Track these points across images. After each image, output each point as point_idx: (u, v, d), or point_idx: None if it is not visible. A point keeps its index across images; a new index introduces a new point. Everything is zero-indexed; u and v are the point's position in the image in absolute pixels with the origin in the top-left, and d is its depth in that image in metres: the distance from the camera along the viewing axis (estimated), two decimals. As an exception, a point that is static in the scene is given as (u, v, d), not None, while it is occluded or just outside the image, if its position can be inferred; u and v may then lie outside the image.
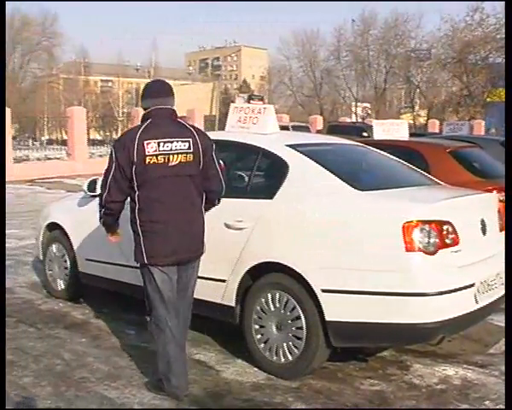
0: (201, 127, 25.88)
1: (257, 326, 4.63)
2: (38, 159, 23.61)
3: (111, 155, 4.05)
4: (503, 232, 4.67)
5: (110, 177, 4.00)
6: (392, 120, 9.86)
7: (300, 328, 4.39)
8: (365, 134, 20.97)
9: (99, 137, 41.98)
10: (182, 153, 4.03)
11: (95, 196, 5.38)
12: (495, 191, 5.61)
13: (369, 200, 4.38)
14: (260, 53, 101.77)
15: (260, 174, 5.09)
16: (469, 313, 4.22)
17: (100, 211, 4.19)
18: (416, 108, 55.49)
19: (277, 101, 59.32)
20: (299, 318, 4.39)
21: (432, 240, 4.09)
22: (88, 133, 26.71)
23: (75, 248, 6.25)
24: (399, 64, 54.45)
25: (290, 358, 4.46)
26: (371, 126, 10.01)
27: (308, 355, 4.37)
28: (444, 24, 46.40)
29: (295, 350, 4.42)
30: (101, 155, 23.26)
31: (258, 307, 4.61)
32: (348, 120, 41.74)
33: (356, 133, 20.15)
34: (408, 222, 4.05)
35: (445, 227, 4.17)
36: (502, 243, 4.56)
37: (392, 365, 4.77)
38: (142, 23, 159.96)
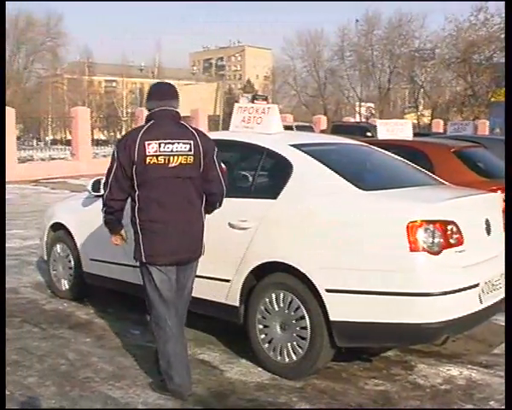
0: (205, 127, 26.03)
1: (261, 326, 4.63)
2: (43, 159, 23.66)
3: (113, 154, 4.11)
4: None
5: (111, 176, 4.06)
6: (396, 119, 9.85)
7: (305, 328, 4.39)
8: (369, 134, 20.97)
9: (103, 138, 42.07)
10: (182, 155, 4.06)
11: (99, 196, 5.38)
12: (499, 191, 5.59)
13: (374, 200, 4.38)
14: (264, 53, 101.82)
15: (264, 174, 5.09)
16: (474, 314, 4.21)
17: (102, 209, 4.23)
18: (420, 107, 55.38)
19: (281, 101, 59.28)
20: (303, 318, 4.39)
21: (436, 240, 4.08)
22: (92, 133, 26.78)
23: (79, 248, 6.26)
24: (403, 64, 54.37)
25: (294, 358, 4.46)
26: (375, 126, 9.99)
27: (312, 355, 4.37)
28: (448, 24, 46.42)
29: (299, 350, 4.42)
30: (105, 155, 23.26)
31: (263, 307, 4.61)
32: (352, 119, 41.68)
33: (360, 133, 20.14)
34: (412, 222, 4.05)
35: (449, 227, 4.17)
36: (506, 243, 4.55)
37: (396, 365, 4.76)
38: (146, 23, 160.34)
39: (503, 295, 4.44)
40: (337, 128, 23.82)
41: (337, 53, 59.09)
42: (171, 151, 4.03)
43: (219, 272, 4.81)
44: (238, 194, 4.95)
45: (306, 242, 4.42)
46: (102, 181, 4.62)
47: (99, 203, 4.40)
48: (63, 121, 41.22)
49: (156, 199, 4.05)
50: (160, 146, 4.01)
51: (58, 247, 6.61)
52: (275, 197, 4.67)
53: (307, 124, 28.91)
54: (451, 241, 4.16)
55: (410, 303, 4.05)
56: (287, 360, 4.50)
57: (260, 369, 4.62)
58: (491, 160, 7.73)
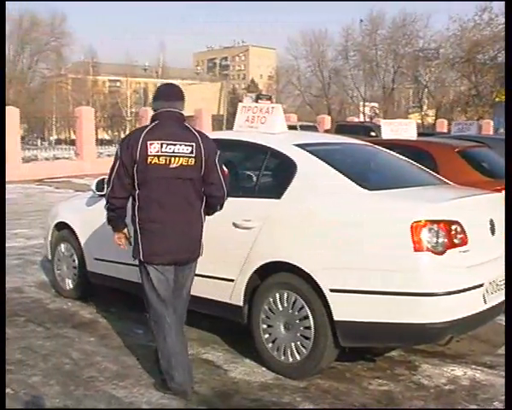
0: (209, 127, 26.02)
1: (265, 326, 4.63)
2: (47, 159, 23.69)
3: (116, 152, 4.17)
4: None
5: (114, 174, 4.12)
6: (400, 119, 9.83)
7: (308, 328, 4.38)
8: (373, 134, 20.97)
9: (107, 137, 42.14)
10: (184, 156, 4.10)
11: (103, 196, 5.38)
12: (503, 191, 5.58)
13: (378, 199, 4.37)
14: (268, 53, 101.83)
15: (268, 174, 5.09)
16: (478, 314, 4.21)
17: (105, 206, 4.29)
18: (425, 107, 55.31)
19: (285, 100, 59.26)
20: (307, 317, 4.39)
21: (440, 240, 4.08)
22: (96, 133, 26.81)
23: (83, 247, 6.27)
24: (407, 64, 54.33)
25: (298, 358, 4.46)
26: (379, 126, 9.99)
27: (316, 355, 4.36)
28: (452, 23, 46.43)
29: (303, 350, 4.42)
30: (109, 155, 23.25)
31: (267, 307, 4.61)
32: (356, 119, 41.63)
33: (364, 133, 20.15)
34: (416, 222, 4.04)
35: (453, 227, 4.16)
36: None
37: (400, 365, 4.76)
38: (151, 23, 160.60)
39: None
40: (341, 128, 23.83)
41: (341, 53, 59.06)
42: (173, 152, 4.07)
43: (223, 271, 4.82)
44: (242, 194, 4.97)
45: (310, 241, 4.41)
46: (106, 180, 4.64)
47: (103, 203, 4.42)
48: (67, 121, 41.22)
49: (156, 199, 4.09)
50: (161, 146, 4.05)
51: (62, 246, 6.61)
52: (279, 197, 4.67)
53: (311, 124, 28.89)
54: (456, 241, 4.15)
55: (414, 303, 4.05)
56: (290, 359, 4.50)
57: (264, 369, 4.62)
58: (496, 160, 7.70)
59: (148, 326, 4.71)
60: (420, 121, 46.63)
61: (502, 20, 41.41)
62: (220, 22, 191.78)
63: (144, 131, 4.11)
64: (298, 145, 4.93)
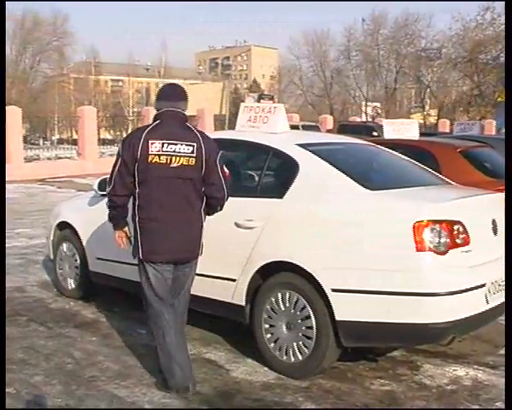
0: (211, 127, 26.03)
1: (267, 326, 4.63)
2: (49, 158, 23.72)
3: (118, 151, 4.22)
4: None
5: (115, 172, 4.16)
6: (402, 119, 9.83)
7: (310, 328, 4.38)
8: (375, 134, 20.94)
9: (109, 137, 42.13)
10: (185, 156, 4.12)
11: (105, 196, 5.39)
12: (506, 191, 5.58)
13: (380, 199, 4.37)
14: (270, 52, 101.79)
15: (270, 174, 5.09)
16: (480, 314, 4.20)
17: (106, 204, 4.34)
18: (427, 107, 55.30)
19: (287, 100, 59.27)
20: (309, 317, 4.39)
21: (442, 240, 4.08)
22: (98, 133, 26.82)
23: (85, 247, 6.27)
24: (410, 64, 54.31)
25: (300, 357, 4.45)
26: (381, 126, 9.98)
27: (318, 355, 4.36)
28: (454, 23, 46.44)
29: (305, 350, 4.42)
30: (111, 155, 23.25)
31: (268, 307, 4.61)
32: (358, 119, 41.63)
33: (366, 133, 20.12)
34: (418, 222, 4.04)
35: (455, 227, 4.16)
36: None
37: (402, 365, 4.76)
38: (153, 23, 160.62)
39: (509, 296, 4.43)
40: (343, 128, 23.80)
41: (343, 53, 59.09)
42: (174, 152, 4.10)
43: (225, 271, 4.82)
44: (244, 193, 4.97)
45: (312, 241, 4.41)
46: (108, 178, 4.67)
47: (105, 202, 4.44)
48: (69, 121, 41.32)
49: (156, 198, 4.12)
50: (163, 146, 4.08)
51: (64, 246, 6.62)
52: (281, 197, 4.67)
53: (313, 123, 28.86)
54: (458, 241, 4.15)
55: (417, 303, 4.04)
56: (292, 359, 4.49)
57: (266, 369, 4.62)
58: (498, 160, 7.69)
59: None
60: (422, 121, 46.60)
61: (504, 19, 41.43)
62: (222, 22, 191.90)
63: (146, 130, 4.14)
64: (300, 145, 4.93)
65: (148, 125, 4.22)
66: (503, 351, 4.99)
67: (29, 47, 61.33)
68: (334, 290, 4.24)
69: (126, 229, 4.39)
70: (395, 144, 6.67)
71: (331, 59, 61.51)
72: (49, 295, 6.64)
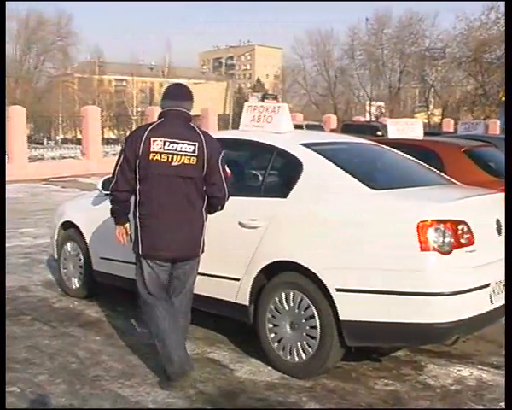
0: (215, 126, 26.03)
1: (271, 325, 4.62)
2: (53, 158, 23.77)
3: (121, 147, 4.32)
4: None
5: (118, 168, 4.24)
6: (406, 119, 9.81)
7: (314, 327, 4.38)
8: (379, 133, 20.93)
9: (113, 136, 42.09)
10: (186, 155, 4.16)
11: (109, 195, 5.40)
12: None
13: (384, 199, 4.36)
14: (274, 52, 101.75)
15: (274, 173, 5.08)
16: (484, 314, 4.19)
17: (109, 199, 4.44)
18: (431, 107, 55.21)
19: (291, 100, 59.27)
20: (313, 317, 4.38)
21: (447, 240, 4.07)
22: (102, 132, 26.84)
23: (89, 246, 6.28)
24: (414, 63, 54.27)
25: (304, 357, 4.45)
26: (385, 125, 9.97)
27: (322, 355, 4.36)
28: (459, 23, 46.39)
29: (309, 350, 4.41)
30: (115, 154, 23.25)
31: (272, 306, 4.60)
32: (362, 119, 41.59)
33: (370, 132, 20.12)
34: (423, 221, 4.03)
35: (460, 227, 4.15)
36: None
37: (406, 365, 4.75)
38: (156, 22, 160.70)
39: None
40: (347, 127, 23.81)
41: (347, 52, 59.07)
42: (175, 150, 4.15)
43: (229, 270, 4.82)
44: (248, 193, 4.97)
45: (316, 241, 4.41)
46: (111, 174, 4.72)
47: (109, 202, 4.46)
48: (73, 120, 41.28)
49: (156, 195, 4.18)
50: (164, 144, 4.14)
51: (68, 245, 6.63)
52: (285, 196, 4.66)
53: (317, 123, 28.87)
54: (462, 241, 4.14)
55: (421, 303, 4.04)
56: (296, 359, 4.49)
57: (270, 368, 4.61)
58: (502, 159, 7.66)
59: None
60: (426, 121, 46.53)
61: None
62: (226, 22, 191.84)
63: (149, 128, 4.21)
64: (304, 144, 4.92)
65: (151, 123, 4.29)
66: (507, 351, 4.99)
67: (33, 47, 61.41)
68: (338, 290, 4.23)
69: (127, 225, 4.45)
70: (399, 144, 6.65)
71: (335, 58, 61.56)
72: (54, 295, 6.65)
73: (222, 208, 4.41)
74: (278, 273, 4.59)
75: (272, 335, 4.62)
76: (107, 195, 5.68)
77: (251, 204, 4.83)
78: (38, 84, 62.78)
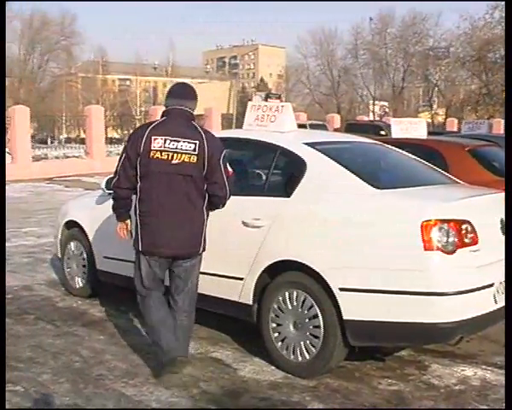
0: (219, 125, 26.04)
1: (274, 325, 4.62)
2: (57, 157, 23.84)
3: (124, 145, 4.43)
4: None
5: (120, 165, 4.31)
6: (410, 118, 9.79)
7: (318, 327, 4.37)
8: (383, 133, 20.91)
9: (117, 136, 42.25)
10: (186, 153, 4.20)
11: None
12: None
13: (388, 198, 4.35)
14: (278, 51, 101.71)
15: (278, 172, 5.07)
16: (488, 314, 4.18)
17: (111, 196, 4.52)
18: (435, 106, 55.19)
19: (295, 99, 59.22)
20: (316, 316, 4.38)
21: (450, 239, 4.06)
22: (106, 132, 26.94)
23: (93, 245, 6.29)
24: (417, 62, 54.23)
25: (307, 357, 4.45)
26: (389, 125, 9.96)
27: (325, 354, 4.35)
28: (463, 22, 46.20)
29: (313, 349, 4.41)
30: (118, 154, 23.24)
31: (276, 306, 4.60)
32: (366, 118, 41.57)
33: (374, 132, 20.10)
34: (426, 221, 4.02)
35: (463, 226, 4.14)
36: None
37: (410, 365, 4.74)
38: (160, 22, 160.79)
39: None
40: (351, 127, 23.77)
41: (351, 51, 59.08)
42: (176, 148, 4.19)
43: (233, 270, 4.82)
44: (252, 192, 4.97)
45: (320, 240, 4.40)
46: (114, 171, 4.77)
47: (111, 198, 4.50)
48: (77, 120, 41.43)
49: (156, 193, 4.23)
50: (165, 142, 4.19)
51: (72, 245, 6.63)
52: (288, 196, 4.66)
53: (321, 122, 28.84)
54: (466, 240, 4.13)
55: (424, 303, 4.03)
56: (300, 358, 4.49)
57: (273, 368, 4.61)
58: (507, 159, 7.66)
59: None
60: (430, 120, 46.51)
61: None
62: (229, 22, 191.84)
63: (150, 126, 4.28)
64: (308, 144, 4.92)
65: (153, 122, 4.35)
66: (511, 351, 4.98)
67: (37, 46, 61.52)
68: (341, 290, 4.23)
69: (128, 222, 4.52)
70: (403, 143, 6.64)
71: (338, 58, 61.59)
72: (57, 294, 6.66)
73: (223, 206, 4.45)
74: (282, 273, 4.59)
75: (276, 334, 4.62)
76: (110, 194, 5.70)
77: (254, 203, 4.83)
78: (42, 83, 62.89)
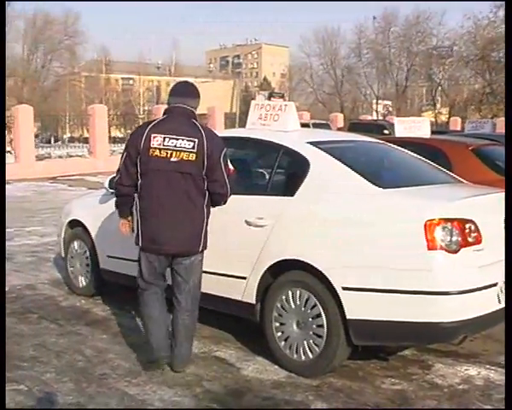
0: (222, 124, 26.05)
1: (277, 324, 4.62)
2: (60, 156, 23.89)
3: (126, 143, 4.47)
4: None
5: (122, 163, 4.38)
6: (413, 117, 9.78)
7: (321, 326, 4.37)
8: (386, 132, 20.88)
9: (120, 135, 42.17)
10: (184, 151, 4.23)
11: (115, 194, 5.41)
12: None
13: (391, 198, 4.35)
14: (281, 50, 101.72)
15: (281, 171, 5.07)
16: (492, 313, 4.17)
17: (114, 193, 4.62)
18: (438, 105, 55.08)
19: (298, 98, 59.18)
20: (319, 316, 4.38)
21: (454, 238, 4.05)
22: (109, 131, 26.94)
23: (96, 244, 6.29)
24: (421, 62, 54.14)
25: (311, 356, 4.44)
26: (392, 124, 9.94)
27: (329, 353, 4.35)
28: (466, 21, 46.07)
29: (316, 348, 4.41)
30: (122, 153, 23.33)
31: (279, 305, 4.60)
32: (369, 117, 41.52)
33: (377, 131, 20.04)
34: (430, 220, 4.01)
35: (467, 226, 4.13)
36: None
37: (413, 364, 4.73)
38: (163, 21, 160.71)
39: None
40: (354, 126, 23.76)
41: (354, 50, 58.98)
42: (175, 146, 4.23)
43: (236, 269, 4.81)
44: (255, 191, 4.98)
45: (323, 239, 4.40)
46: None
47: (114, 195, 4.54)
48: (81, 119, 41.39)
49: (156, 190, 4.27)
50: (164, 140, 4.24)
51: (75, 244, 6.64)
52: (292, 195, 4.66)
53: (324, 121, 28.86)
54: (470, 239, 4.12)
55: (428, 302, 4.02)
56: (303, 358, 4.48)
57: (276, 367, 4.61)
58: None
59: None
60: (433, 119, 46.40)
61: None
62: (232, 22, 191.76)
63: (151, 125, 4.34)
64: (311, 143, 4.92)
65: (154, 120, 4.42)
66: (515, 350, 4.97)
67: (40, 46, 61.51)
68: (344, 289, 4.22)
69: (130, 218, 4.59)
70: (406, 142, 6.63)
71: (342, 57, 61.50)
72: (60, 293, 6.67)
73: (225, 203, 4.47)
74: (285, 272, 4.58)
75: (279, 333, 4.61)
76: (113, 193, 5.70)
77: (257, 202, 4.83)
78: (46, 83, 62.87)
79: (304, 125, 7.43)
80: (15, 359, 4.69)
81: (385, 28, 57.21)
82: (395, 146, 5.78)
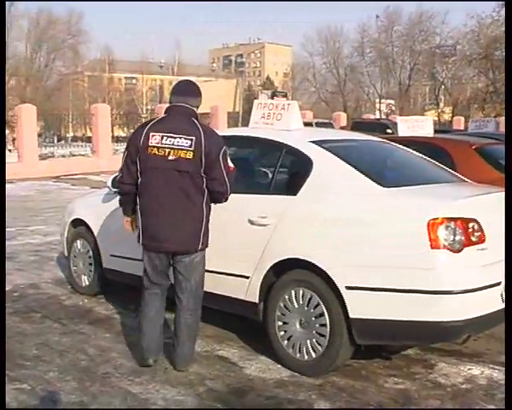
0: (224, 124, 26.04)
1: (280, 323, 4.62)
2: (63, 156, 23.95)
3: (127, 142, 4.52)
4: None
5: (123, 162, 4.43)
6: (416, 116, 9.77)
7: (324, 325, 4.37)
8: (389, 131, 20.87)
9: (123, 134, 42.21)
10: (182, 149, 4.25)
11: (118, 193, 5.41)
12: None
13: (394, 197, 4.34)
14: (284, 50, 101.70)
15: (284, 171, 5.07)
16: (495, 312, 4.15)
17: (117, 191, 4.67)
18: (441, 104, 54.97)
19: (301, 97, 59.09)
20: (322, 315, 4.37)
21: (457, 238, 4.04)
22: (112, 130, 26.95)
23: (99, 244, 6.29)
24: (424, 60, 54.05)
25: (314, 355, 4.44)
26: (395, 123, 9.94)
27: (332, 353, 4.35)
28: (470, 20, 45.90)
29: (319, 347, 4.40)
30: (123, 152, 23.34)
31: (282, 304, 4.59)
32: (372, 116, 41.48)
33: (380, 130, 20.03)
34: (433, 219, 4.01)
35: (470, 225, 4.12)
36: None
37: (416, 363, 4.73)
38: (166, 20, 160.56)
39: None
40: (357, 125, 23.75)
41: (357, 49, 58.92)
42: (173, 145, 4.25)
43: (239, 268, 4.81)
44: (258, 190, 4.97)
45: (326, 239, 4.39)
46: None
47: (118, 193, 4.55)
48: (84, 118, 41.54)
49: (154, 188, 4.30)
50: (162, 138, 4.27)
51: (78, 243, 6.64)
52: (295, 194, 4.65)
53: (327, 120, 28.84)
54: (473, 239, 4.11)
55: (431, 301, 4.01)
56: (306, 357, 4.48)
57: (279, 366, 4.61)
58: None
59: (168, 325, 4.79)
60: (436, 118, 46.34)
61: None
62: (235, 22, 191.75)
63: (150, 124, 4.38)
64: (314, 142, 4.91)
65: (153, 119, 4.47)
66: (518, 350, 4.96)
67: (44, 45, 61.58)
68: (347, 288, 4.22)
69: (134, 216, 4.59)
70: (409, 142, 6.62)
71: (345, 56, 61.42)
72: (64, 292, 6.67)
73: (226, 201, 4.47)
74: (288, 271, 4.58)
75: (282, 333, 4.61)
76: (116, 192, 5.71)
77: (260, 201, 4.82)
78: (49, 82, 62.92)
79: (307, 124, 7.42)
80: (18, 358, 4.70)
81: (388, 27, 57.14)
82: (398, 145, 5.78)
